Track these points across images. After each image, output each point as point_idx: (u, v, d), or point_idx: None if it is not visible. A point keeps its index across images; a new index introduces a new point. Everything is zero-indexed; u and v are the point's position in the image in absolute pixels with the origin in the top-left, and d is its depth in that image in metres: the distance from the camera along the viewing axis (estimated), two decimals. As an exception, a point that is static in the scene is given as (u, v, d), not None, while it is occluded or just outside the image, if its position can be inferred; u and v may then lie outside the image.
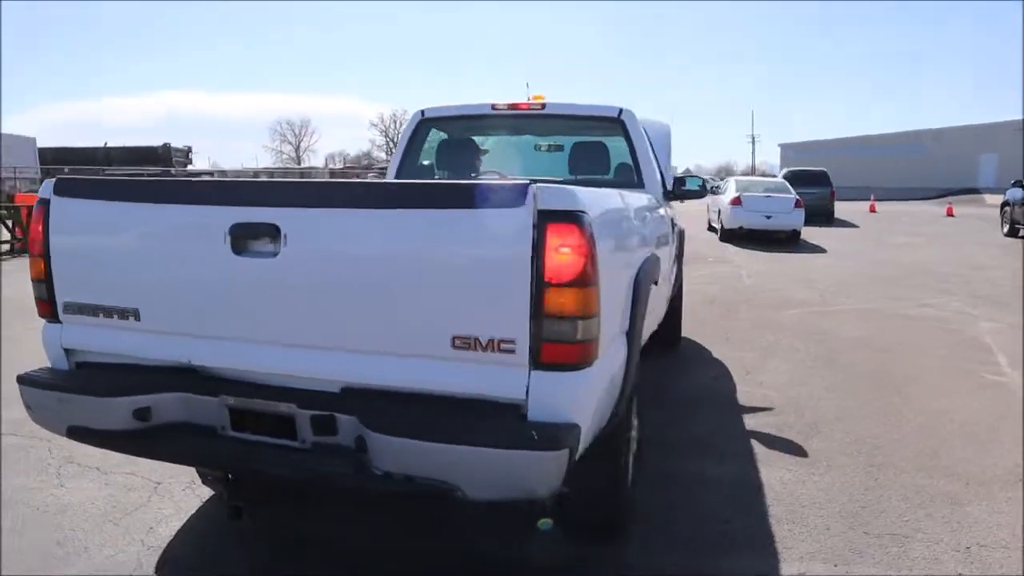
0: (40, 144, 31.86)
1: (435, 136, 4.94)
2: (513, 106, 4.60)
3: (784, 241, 15.44)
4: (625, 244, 2.48)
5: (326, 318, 2.08)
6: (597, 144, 4.51)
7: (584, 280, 1.92)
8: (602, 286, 2.03)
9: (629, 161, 4.39)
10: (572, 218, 1.91)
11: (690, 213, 23.25)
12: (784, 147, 49.31)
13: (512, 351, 1.93)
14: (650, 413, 4.43)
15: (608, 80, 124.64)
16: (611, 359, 2.25)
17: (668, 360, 5.77)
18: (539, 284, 1.88)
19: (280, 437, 2.16)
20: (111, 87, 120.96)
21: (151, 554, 2.79)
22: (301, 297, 2.09)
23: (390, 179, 4.82)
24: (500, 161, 5.08)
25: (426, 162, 4.88)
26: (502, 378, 1.95)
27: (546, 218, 1.89)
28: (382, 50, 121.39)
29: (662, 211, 4.24)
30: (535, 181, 1.93)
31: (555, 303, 1.89)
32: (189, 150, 40.68)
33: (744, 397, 4.79)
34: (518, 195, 1.88)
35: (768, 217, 15.31)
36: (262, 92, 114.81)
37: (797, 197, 15.77)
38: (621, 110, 4.42)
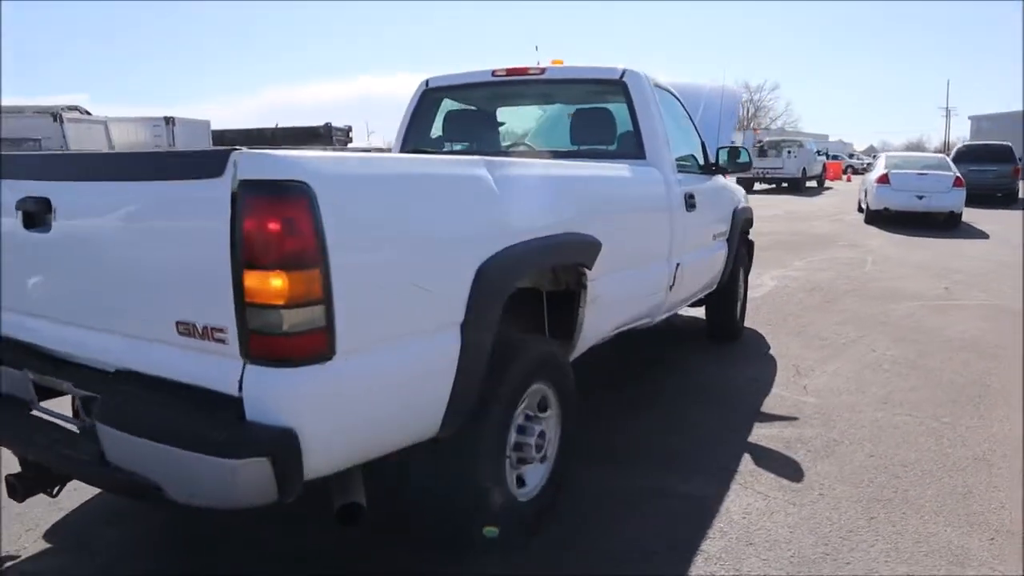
0: (245, 125, 35.24)
1: (446, 107, 4.65)
2: (513, 72, 4.21)
3: (940, 225, 13.52)
4: (436, 223, 2.01)
5: (86, 294, 1.93)
6: (599, 111, 4.01)
7: (296, 262, 1.59)
8: (353, 270, 1.69)
9: (631, 129, 3.86)
10: (282, 189, 1.59)
11: (849, 191, 21.05)
12: (976, 119, 43.25)
13: (224, 341, 1.65)
14: (649, 414, 3.95)
15: (784, 53, 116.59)
16: (401, 357, 1.90)
17: (713, 354, 5.15)
18: (239, 266, 1.59)
19: (73, 417, 2.06)
20: (316, 73, 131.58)
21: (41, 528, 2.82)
22: (69, 272, 1.96)
23: (394, 153, 4.63)
24: (510, 131, 4.70)
25: (435, 135, 4.62)
26: (220, 370, 1.68)
27: (249, 189, 1.57)
28: (550, 22, 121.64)
29: (658, 187, 3.68)
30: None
31: (256, 288, 1.58)
32: (349, 129, 42.99)
33: (774, 402, 4.12)
34: (216, 163, 1.59)
35: (920, 197, 13.44)
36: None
37: (957, 175, 13.69)
38: (624, 71, 3.89)
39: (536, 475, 2.70)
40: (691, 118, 4.69)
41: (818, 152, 28.75)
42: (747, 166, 4.73)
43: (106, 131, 25.53)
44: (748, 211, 5.61)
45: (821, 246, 11.21)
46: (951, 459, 3.34)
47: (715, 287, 5.08)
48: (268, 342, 1.63)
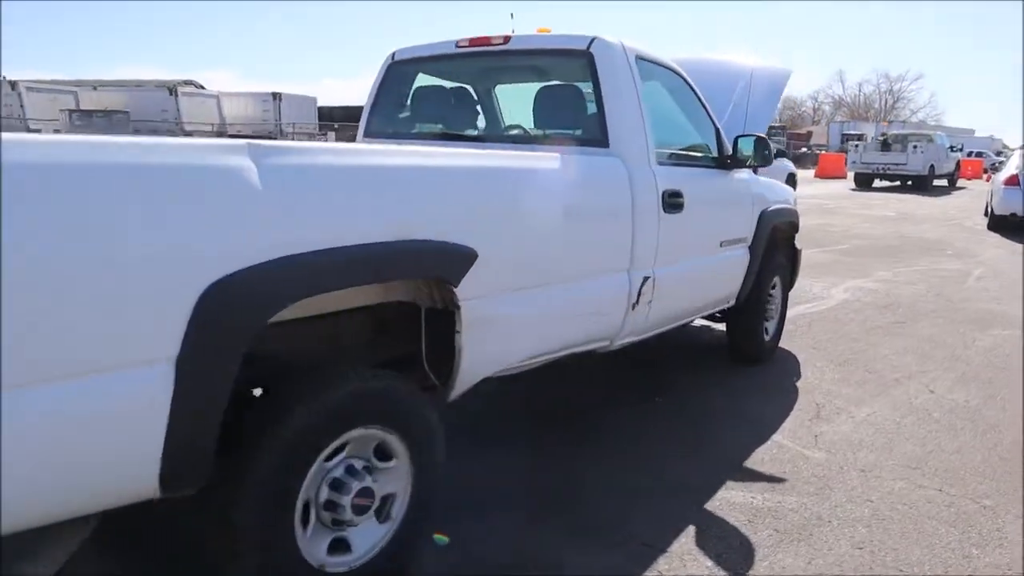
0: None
1: (419, 83, 4.08)
2: (476, 42, 3.59)
3: (1082, 236, 11.59)
4: (107, 229, 1.43)
5: None
6: (561, 89, 3.34)
7: None
8: None
9: (596, 111, 3.15)
10: None
11: (983, 193, 18.78)
12: None
13: None
14: (599, 452, 3.27)
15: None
16: (50, 400, 1.39)
17: (726, 381, 4.34)
18: None
19: None
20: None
21: None
22: None
23: (359, 134, 4.14)
24: (471, 110, 4.03)
25: (404, 115, 4.08)
26: None
27: None
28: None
29: (614, 183, 2.97)
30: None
31: None
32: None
33: (768, 454, 3.32)
34: None
35: (1058, 203, 11.56)
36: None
37: (1108, 177, 11.67)
38: (593, 40, 3.18)
39: (369, 538, 2.14)
40: (702, 101, 3.88)
41: (951, 148, 25.90)
42: (769, 160, 3.89)
43: (218, 105, 26.79)
44: (787, 213, 4.72)
45: (922, 254, 9.83)
46: (972, 564, 2.47)
47: (733, 302, 4.28)
48: None
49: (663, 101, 3.64)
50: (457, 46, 3.66)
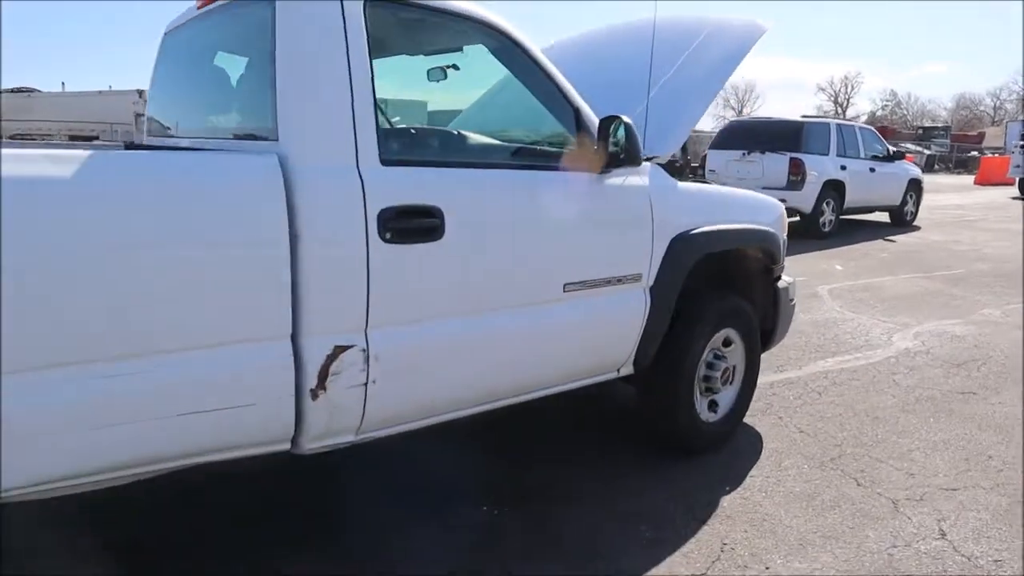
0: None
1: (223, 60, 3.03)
2: (203, 3, 2.52)
3: None
4: None
5: None
6: (245, 58, 2.22)
7: None
8: None
9: (269, 88, 1.97)
10: None
11: None
12: None
13: None
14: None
15: None
16: None
17: (614, 482, 2.94)
18: None
19: None
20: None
21: None
22: None
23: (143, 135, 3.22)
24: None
25: (186, 104, 3.07)
26: None
27: None
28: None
29: (248, 195, 1.78)
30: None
31: None
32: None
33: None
34: None
35: None
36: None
37: None
38: None
39: None
40: (547, 70, 2.52)
41: None
42: (637, 158, 2.51)
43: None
44: (744, 236, 3.25)
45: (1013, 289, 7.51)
46: None
47: (630, 368, 2.91)
48: None
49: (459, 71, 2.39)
50: (197, 8, 2.61)
